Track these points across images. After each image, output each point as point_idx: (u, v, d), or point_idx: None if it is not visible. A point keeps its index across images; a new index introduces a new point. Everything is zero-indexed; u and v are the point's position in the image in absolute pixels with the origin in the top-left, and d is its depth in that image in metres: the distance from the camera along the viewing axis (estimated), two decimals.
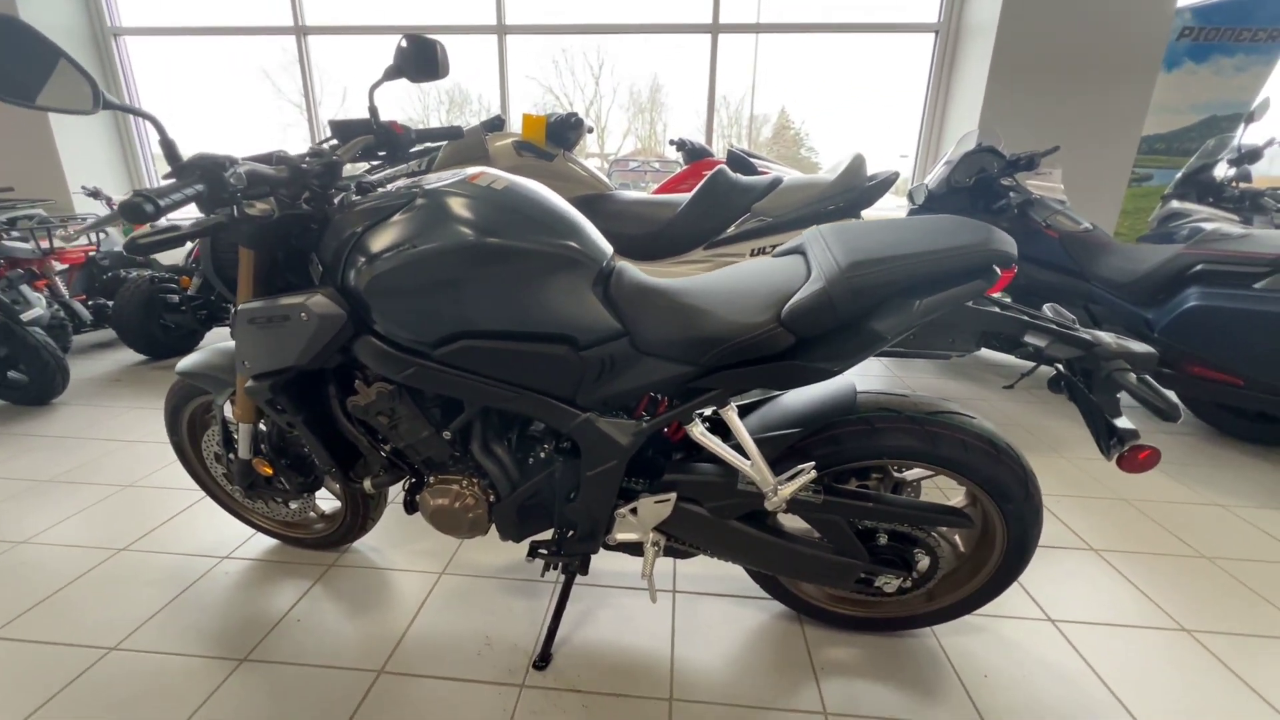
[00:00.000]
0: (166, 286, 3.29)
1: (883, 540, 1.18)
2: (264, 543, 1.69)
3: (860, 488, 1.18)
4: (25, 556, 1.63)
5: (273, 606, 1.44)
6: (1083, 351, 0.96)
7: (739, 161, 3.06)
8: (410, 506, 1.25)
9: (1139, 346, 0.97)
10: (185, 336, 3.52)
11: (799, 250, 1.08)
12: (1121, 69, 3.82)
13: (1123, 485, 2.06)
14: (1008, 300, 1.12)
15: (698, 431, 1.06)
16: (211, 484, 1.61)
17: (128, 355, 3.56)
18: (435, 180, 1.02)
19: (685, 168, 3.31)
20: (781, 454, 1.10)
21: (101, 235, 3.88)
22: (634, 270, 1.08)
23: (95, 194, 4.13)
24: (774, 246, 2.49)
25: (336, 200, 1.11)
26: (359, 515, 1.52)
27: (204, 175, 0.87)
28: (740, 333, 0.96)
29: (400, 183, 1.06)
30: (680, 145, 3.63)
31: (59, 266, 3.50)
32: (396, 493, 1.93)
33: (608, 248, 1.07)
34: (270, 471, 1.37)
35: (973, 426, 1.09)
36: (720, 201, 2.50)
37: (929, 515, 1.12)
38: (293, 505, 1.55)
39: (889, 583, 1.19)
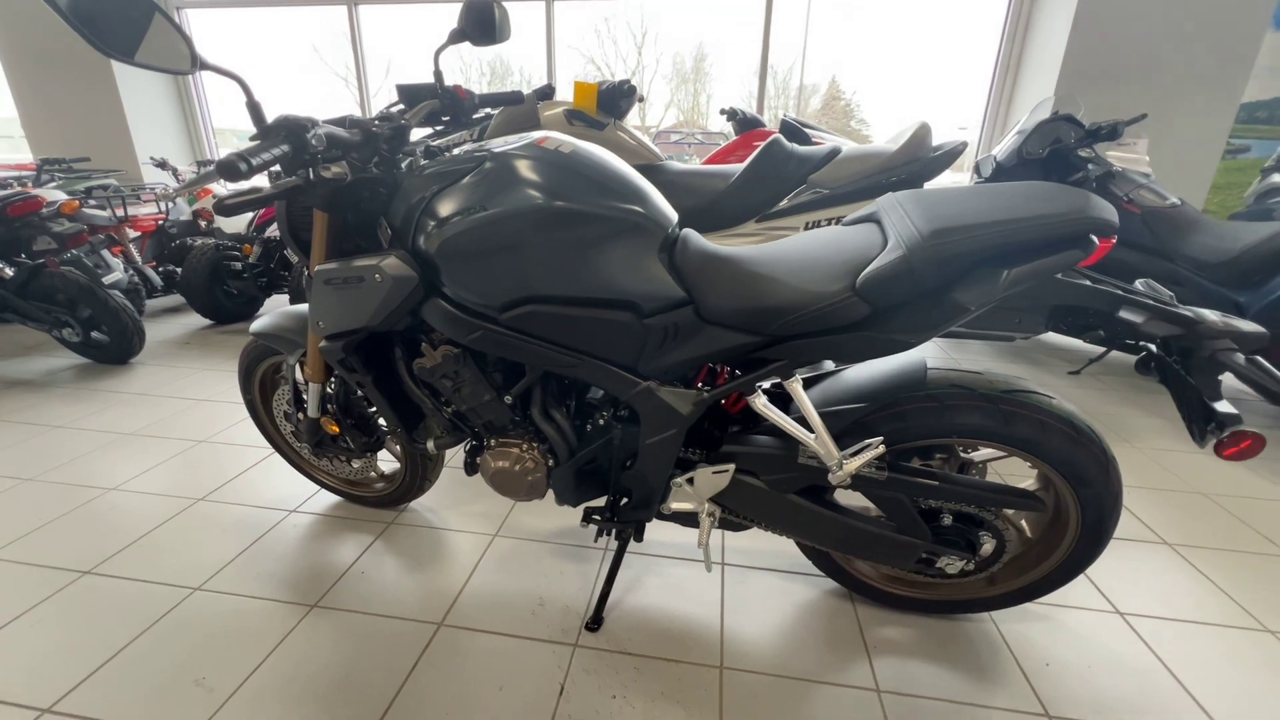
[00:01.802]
0: (230, 254, 3.43)
1: (947, 521, 1.14)
2: (328, 499, 1.77)
3: (923, 466, 1.14)
4: (115, 502, 1.75)
5: (338, 558, 1.51)
6: (1183, 330, 0.89)
7: (793, 131, 2.95)
8: (470, 468, 1.28)
9: (1247, 325, 0.89)
10: (247, 303, 3.67)
11: (872, 218, 1.04)
12: (1222, 26, 3.47)
13: (1199, 478, 1.94)
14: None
15: (760, 403, 1.04)
16: (280, 441, 1.69)
17: (195, 320, 3.75)
18: (502, 144, 1.02)
19: (735, 138, 3.22)
20: (845, 429, 1.08)
21: (169, 205, 4.06)
22: (699, 238, 1.06)
23: (162, 164, 4.32)
24: (830, 220, 2.41)
25: (404, 165, 1.12)
26: (417, 476, 1.57)
27: (288, 136, 0.89)
28: (811, 302, 0.93)
29: (466, 147, 1.06)
30: (731, 115, 3.53)
31: (132, 234, 3.69)
32: (454, 457, 1.99)
33: (672, 214, 1.04)
34: (336, 430, 1.43)
35: (1052, 407, 1.04)
36: (775, 172, 2.42)
37: (999, 497, 1.08)
38: (355, 464, 1.61)
39: (951, 565, 1.16)
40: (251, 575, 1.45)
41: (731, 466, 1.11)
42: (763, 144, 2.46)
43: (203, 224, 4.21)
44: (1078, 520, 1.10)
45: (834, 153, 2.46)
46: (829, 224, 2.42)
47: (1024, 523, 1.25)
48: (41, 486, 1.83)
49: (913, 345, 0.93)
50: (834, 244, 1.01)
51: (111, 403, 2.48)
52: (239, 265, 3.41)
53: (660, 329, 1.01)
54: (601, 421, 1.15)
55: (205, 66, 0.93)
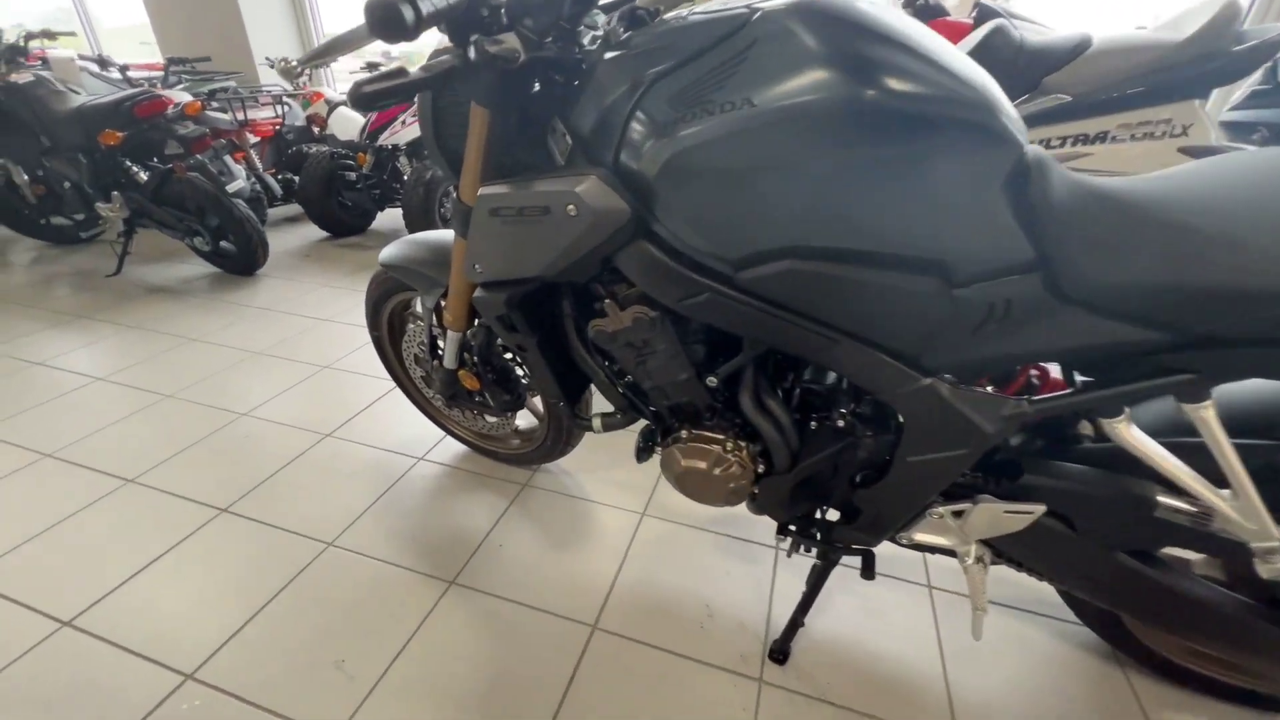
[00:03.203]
0: (345, 163, 3.29)
1: None
2: (456, 448, 1.61)
3: None
4: (248, 429, 1.68)
5: (472, 525, 1.34)
6: None
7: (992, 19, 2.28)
8: (643, 454, 1.01)
9: None
10: (360, 215, 3.58)
11: None
12: None
13: None
14: None
15: (1131, 434, 0.67)
16: (408, 384, 1.52)
17: (313, 231, 3.72)
18: None
19: None
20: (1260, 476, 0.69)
21: (285, 108, 3.96)
22: (1061, 167, 0.66)
23: (287, 70, 4.19)
24: (1075, 139, 1.83)
25: (588, 42, 0.78)
26: (560, 440, 1.35)
27: None
28: None
29: (702, 6, 0.70)
30: (908, 1, 2.84)
31: (252, 139, 3.63)
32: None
33: (1023, 125, 0.65)
34: (476, 386, 1.21)
35: None
36: (998, 71, 1.85)
37: None
38: (491, 419, 1.41)
39: None
40: (383, 534, 1.31)
41: (1040, 508, 0.77)
42: (984, 31, 1.88)
43: (315, 130, 4.11)
44: None
45: (1083, 45, 1.84)
46: (1072, 144, 1.84)
47: None
48: (181, 405, 1.80)
49: None
50: None
51: (240, 317, 2.46)
52: (353, 175, 3.27)
53: (980, 305, 0.65)
54: (840, 422, 0.83)
55: None
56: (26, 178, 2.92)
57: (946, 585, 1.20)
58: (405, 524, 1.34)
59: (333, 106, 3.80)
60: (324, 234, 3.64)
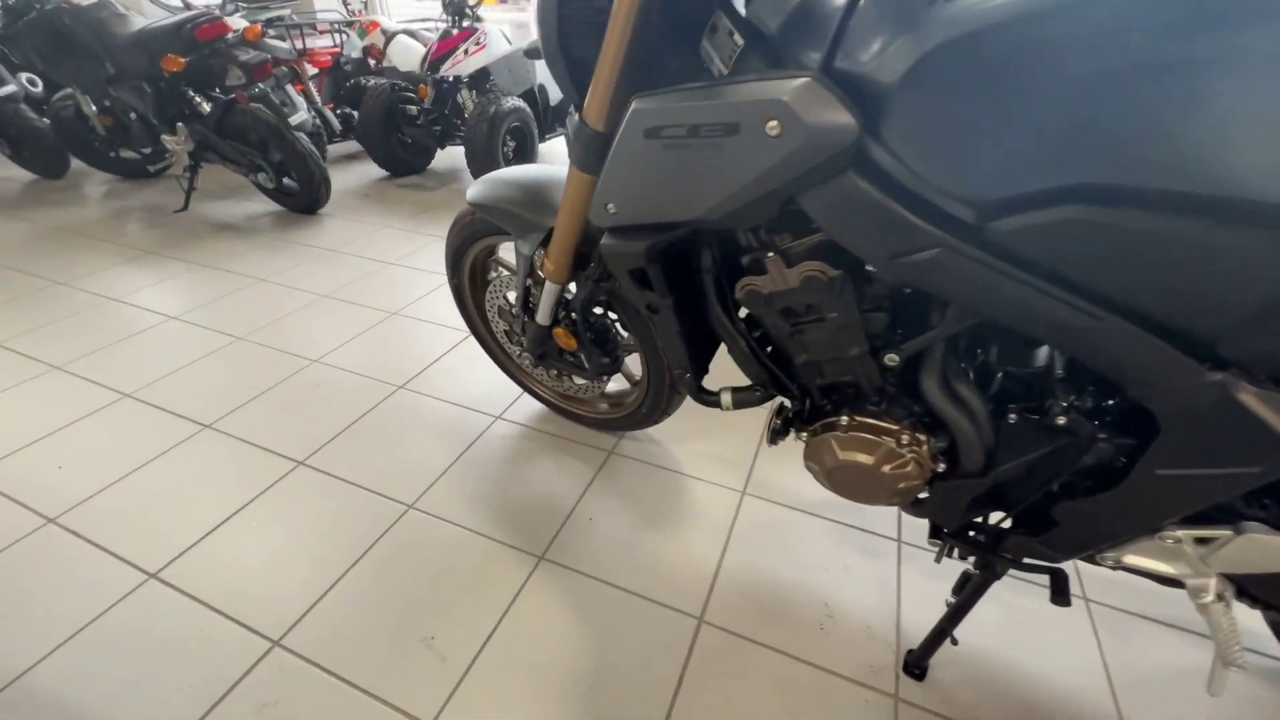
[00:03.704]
0: (405, 96, 3.13)
1: None
2: (534, 406, 1.50)
3: None
4: (319, 377, 1.61)
5: (557, 493, 1.24)
6: None
7: None
8: (778, 435, 0.86)
9: None
10: (420, 153, 3.44)
11: None
12: None
13: None
14: None
15: None
16: (488, 337, 1.40)
17: (372, 170, 3.61)
18: None
19: None
20: None
21: (342, 37, 3.79)
22: None
23: None
24: None
25: None
26: (656, 408, 1.21)
27: None
28: None
29: None
30: None
31: (310, 70, 3.50)
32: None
33: None
34: (573, 345, 1.07)
35: None
36: None
37: None
38: (579, 381, 1.29)
39: None
40: (465, 498, 1.23)
41: None
42: None
43: (372, 62, 3.94)
44: None
45: None
46: None
47: None
48: (252, 348, 1.75)
49: None
50: None
51: (305, 257, 2.39)
52: (414, 110, 3.11)
53: None
54: (1060, 419, 0.65)
55: None
56: (95, 108, 2.89)
57: (1108, 600, 1.03)
58: (486, 488, 1.25)
59: (390, 36, 3.61)
60: (382, 173, 3.52)
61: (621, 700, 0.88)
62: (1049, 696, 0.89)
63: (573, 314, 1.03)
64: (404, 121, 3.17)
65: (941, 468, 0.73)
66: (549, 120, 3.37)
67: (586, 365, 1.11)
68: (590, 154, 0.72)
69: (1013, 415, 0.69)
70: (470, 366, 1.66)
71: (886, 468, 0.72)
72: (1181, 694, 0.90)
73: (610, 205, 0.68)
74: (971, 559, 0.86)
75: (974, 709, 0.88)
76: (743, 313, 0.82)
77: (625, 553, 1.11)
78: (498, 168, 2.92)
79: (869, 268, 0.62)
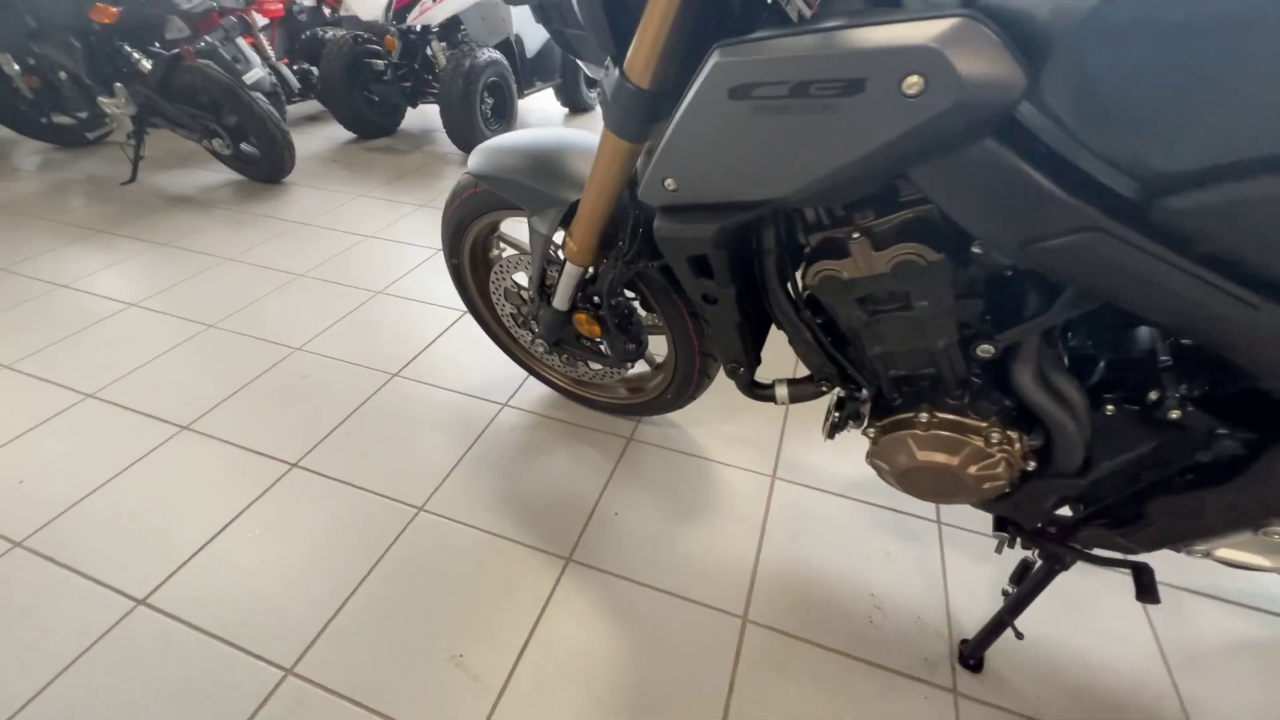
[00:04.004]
0: (369, 50, 2.87)
1: None
2: (541, 391, 1.41)
3: None
4: (305, 367, 1.49)
5: (578, 487, 1.16)
6: None
7: None
8: (836, 428, 0.79)
9: None
10: (389, 113, 3.19)
11: None
12: None
13: None
14: None
15: None
16: (492, 321, 1.29)
17: (337, 132, 3.34)
18: None
19: None
20: None
21: None
22: None
23: None
24: None
25: None
26: (683, 394, 1.13)
27: None
28: None
29: None
30: None
31: (260, 21, 3.18)
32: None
33: None
34: (596, 333, 0.97)
35: None
36: None
37: None
38: (595, 367, 1.19)
39: None
40: (478, 496, 1.14)
41: None
42: None
43: (328, 10, 3.61)
44: None
45: None
46: None
47: None
48: (227, 337, 1.61)
49: None
50: None
51: (274, 231, 2.20)
52: (380, 65, 2.86)
53: None
54: (1173, 412, 0.59)
55: None
56: (17, 67, 2.58)
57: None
58: (500, 485, 1.17)
59: None
60: (348, 135, 3.27)
61: (672, 710, 0.83)
62: (1107, 678, 0.87)
63: (595, 298, 0.93)
64: (370, 78, 2.92)
65: (1032, 466, 0.66)
66: (527, 74, 3.14)
67: (609, 352, 1.01)
68: (633, 117, 0.61)
69: (1113, 407, 0.63)
70: (470, 349, 1.55)
71: (973, 469, 0.66)
72: (1238, 669, 0.88)
73: (669, 181, 0.57)
74: (1039, 550, 0.81)
75: (1035, 698, 0.85)
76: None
77: (657, 549, 1.05)
78: (476, 128, 2.72)
79: (975, 249, 0.53)
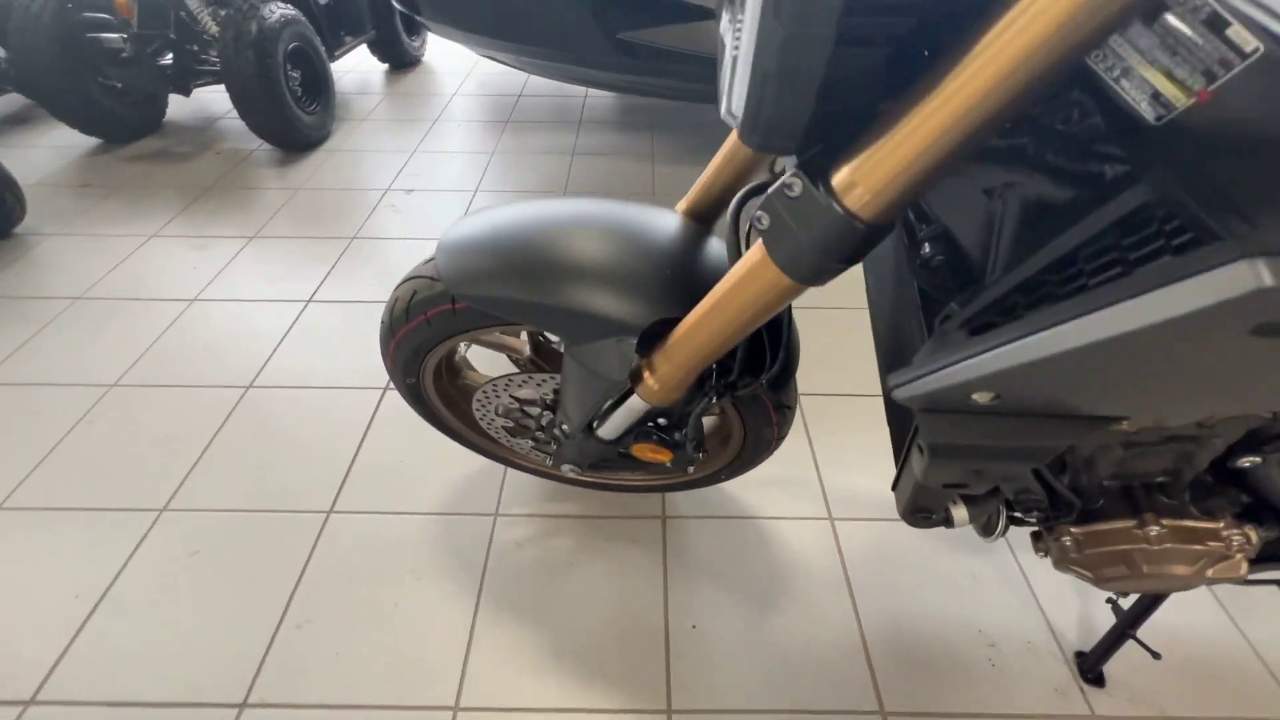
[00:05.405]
0: (92, 19, 2.02)
1: None
2: (531, 486, 1.14)
3: None
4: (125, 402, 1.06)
5: (635, 606, 0.97)
6: None
7: None
8: (1000, 533, 0.67)
9: None
10: (144, 105, 2.35)
11: None
12: None
13: None
14: None
15: None
16: (468, 432, 0.98)
17: (69, 136, 2.39)
18: None
19: None
20: None
21: None
22: None
23: None
24: None
25: None
26: (739, 473, 0.96)
27: None
28: None
29: None
30: None
31: None
32: None
33: None
34: (668, 458, 0.75)
35: None
36: None
37: None
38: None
39: None
40: (523, 665, 0.90)
41: None
42: None
43: None
44: None
45: None
46: None
47: None
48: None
49: None
50: None
51: (34, 323, 1.53)
52: (115, 39, 2.03)
53: None
54: None
55: None
56: None
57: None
58: (539, 637, 0.93)
59: None
60: (92, 141, 2.36)
61: None
62: (1218, 666, 0.91)
63: (661, 421, 0.70)
64: (103, 59, 2.08)
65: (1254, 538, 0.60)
66: (334, 31, 2.46)
67: (673, 466, 0.80)
68: (828, 255, 0.38)
69: None
70: (406, 443, 1.21)
71: (1210, 573, 0.58)
72: None
73: (986, 395, 0.36)
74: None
75: (1164, 700, 0.87)
76: None
77: (759, 659, 0.91)
78: (288, 114, 2.09)
79: None
